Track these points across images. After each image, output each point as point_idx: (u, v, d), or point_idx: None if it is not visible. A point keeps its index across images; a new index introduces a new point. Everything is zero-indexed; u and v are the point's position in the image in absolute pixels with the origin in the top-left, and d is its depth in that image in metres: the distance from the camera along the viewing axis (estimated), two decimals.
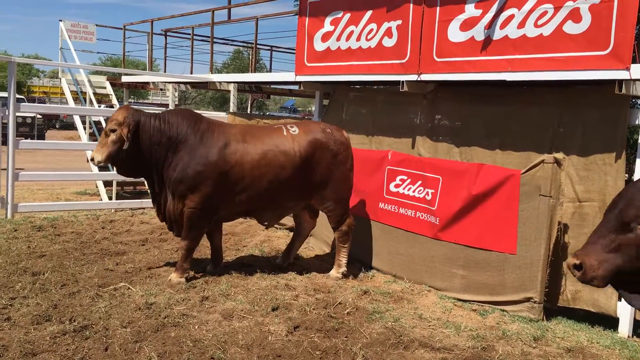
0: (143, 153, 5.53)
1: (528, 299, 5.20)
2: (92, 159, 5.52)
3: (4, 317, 4.38)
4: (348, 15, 7.08)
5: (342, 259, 6.20)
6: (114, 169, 6.36)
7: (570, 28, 5.11)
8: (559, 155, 5.03)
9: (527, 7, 5.39)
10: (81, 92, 12.91)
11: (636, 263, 2.63)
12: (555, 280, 5.26)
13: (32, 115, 21.80)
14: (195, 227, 5.65)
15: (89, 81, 12.51)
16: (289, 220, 8.27)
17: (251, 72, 11.86)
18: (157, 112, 5.90)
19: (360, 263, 6.70)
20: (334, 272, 6.16)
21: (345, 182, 6.21)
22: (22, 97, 29.04)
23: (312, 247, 7.45)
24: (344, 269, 6.17)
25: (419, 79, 6.24)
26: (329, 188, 6.10)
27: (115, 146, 5.42)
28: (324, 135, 6.05)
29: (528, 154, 5.56)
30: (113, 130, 5.41)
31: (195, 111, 6.07)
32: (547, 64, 5.27)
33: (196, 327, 4.45)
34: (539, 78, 5.32)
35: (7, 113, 8.09)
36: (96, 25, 13.76)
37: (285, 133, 5.91)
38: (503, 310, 5.31)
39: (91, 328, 4.27)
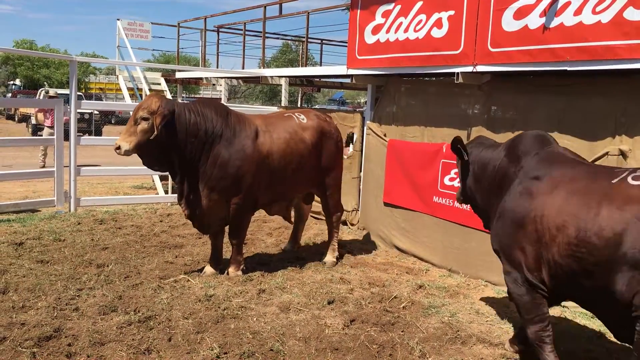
0: (177, 145, 5.18)
1: None
2: (118, 148, 4.99)
3: (73, 307, 4.58)
4: (398, 6, 7.01)
5: (336, 243, 6.46)
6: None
7: (632, 14, 4.90)
8: (625, 147, 4.85)
9: None
10: (137, 88, 13.27)
11: None
12: None
13: (90, 111, 22.50)
14: (242, 220, 5.73)
15: (145, 78, 12.84)
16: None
17: (302, 66, 11.91)
18: (186, 102, 5.60)
19: (414, 257, 6.68)
20: (330, 258, 6.33)
21: (341, 168, 6.58)
22: (81, 94, 30.04)
23: (365, 241, 7.45)
24: (337, 253, 6.42)
25: (474, 70, 6.13)
26: (332, 174, 6.38)
27: (145, 136, 5.01)
28: (326, 123, 6.31)
29: (589, 145, 5.38)
30: (145, 119, 5.01)
31: (221, 102, 6.05)
32: (607, 52, 5.07)
33: (254, 319, 4.54)
34: (602, 67, 5.13)
35: (69, 110, 8.42)
36: (151, 23, 14.11)
37: (297, 121, 6.02)
38: (563, 307, 5.18)
39: (155, 319, 4.42)
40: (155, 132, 4.99)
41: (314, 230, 7.74)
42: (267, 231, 7.65)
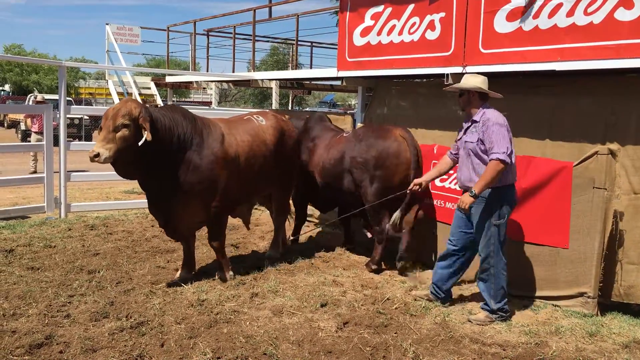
0: (152, 152, 4.97)
1: (582, 294, 5.08)
2: (97, 155, 4.65)
3: (64, 314, 4.54)
4: (389, 9, 7.03)
5: (282, 238, 6.75)
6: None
7: (622, 15, 4.94)
8: (614, 146, 4.88)
9: None
10: (127, 92, 13.22)
11: None
12: (609, 274, 5.12)
13: (80, 116, 22.38)
14: (221, 222, 5.74)
15: (135, 82, 12.79)
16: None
17: (293, 68, 11.91)
18: (155, 107, 5.46)
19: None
20: (275, 253, 6.56)
21: (297, 167, 6.74)
22: (70, 99, 29.85)
23: (358, 243, 7.43)
24: (281, 248, 6.71)
25: (464, 71, 6.15)
26: (290, 174, 6.58)
27: (125, 143, 4.78)
28: (285, 124, 6.43)
29: (580, 146, 5.42)
30: (125, 125, 4.76)
31: (185, 107, 5.82)
32: (599, 52, 5.11)
33: (247, 323, 4.52)
34: (590, 67, 5.17)
35: (58, 116, 8.36)
36: (141, 27, 14.07)
37: (257, 124, 6.10)
38: (555, 306, 5.21)
39: (147, 324, 4.39)
40: (147, 136, 4.80)
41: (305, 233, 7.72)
42: (259, 234, 7.63)
